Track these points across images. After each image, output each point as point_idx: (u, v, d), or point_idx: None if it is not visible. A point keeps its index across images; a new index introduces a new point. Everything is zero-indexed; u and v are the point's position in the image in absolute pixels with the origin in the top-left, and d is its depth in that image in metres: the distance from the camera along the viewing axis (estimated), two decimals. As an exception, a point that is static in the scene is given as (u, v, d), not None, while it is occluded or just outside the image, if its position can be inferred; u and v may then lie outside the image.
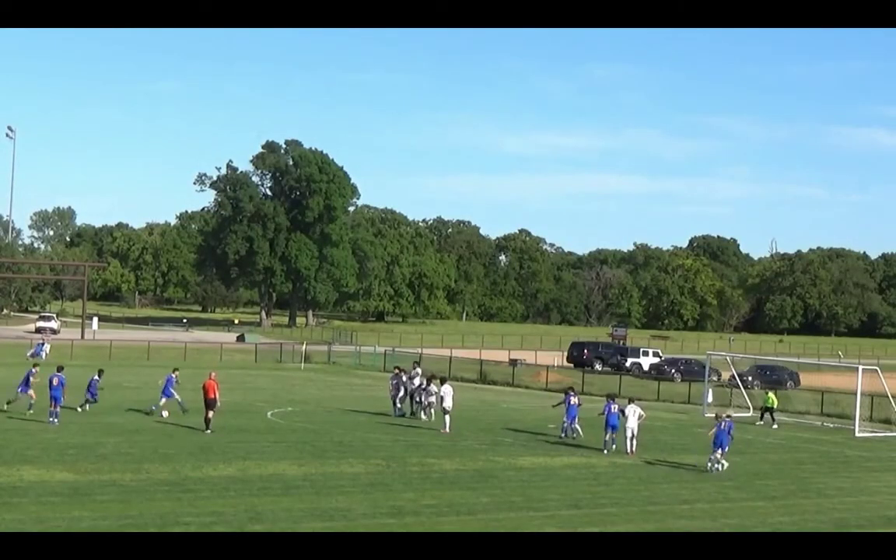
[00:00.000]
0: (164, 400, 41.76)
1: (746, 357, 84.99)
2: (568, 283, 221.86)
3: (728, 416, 35.14)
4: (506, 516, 24.88)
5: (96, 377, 42.86)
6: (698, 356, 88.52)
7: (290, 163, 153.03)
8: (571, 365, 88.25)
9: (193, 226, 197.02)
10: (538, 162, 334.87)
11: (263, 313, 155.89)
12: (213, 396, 37.40)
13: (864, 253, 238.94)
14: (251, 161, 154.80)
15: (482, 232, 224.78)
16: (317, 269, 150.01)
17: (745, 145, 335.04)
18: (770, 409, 49.54)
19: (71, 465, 28.82)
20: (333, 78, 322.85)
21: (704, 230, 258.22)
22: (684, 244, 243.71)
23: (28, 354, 76.46)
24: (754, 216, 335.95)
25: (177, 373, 43.20)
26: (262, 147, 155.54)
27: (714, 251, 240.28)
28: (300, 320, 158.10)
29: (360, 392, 59.07)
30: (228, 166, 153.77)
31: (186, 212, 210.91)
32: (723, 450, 33.44)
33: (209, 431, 36.60)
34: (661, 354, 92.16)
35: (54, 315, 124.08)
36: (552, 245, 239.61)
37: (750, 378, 70.29)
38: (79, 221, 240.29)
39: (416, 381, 45.34)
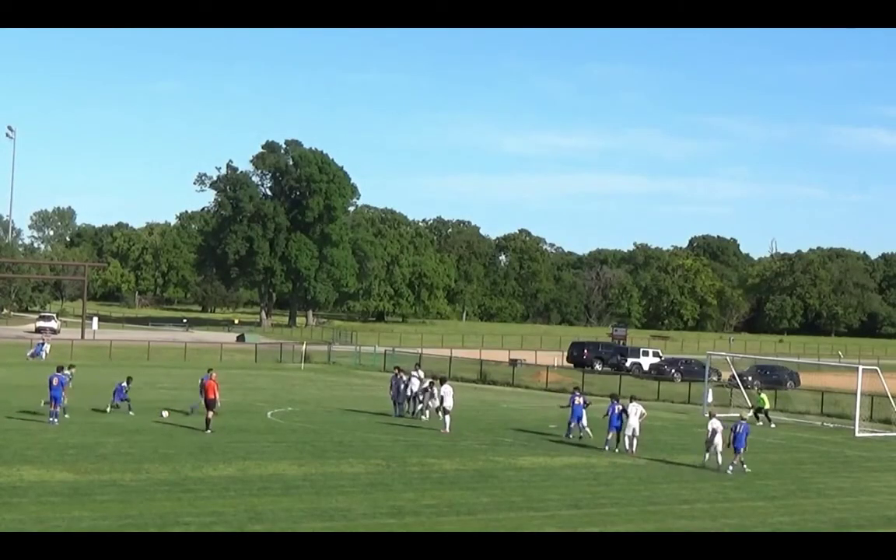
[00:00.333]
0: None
1: (746, 357, 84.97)
2: (568, 283, 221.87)
3: (742, 419, 35.35)
4: (506, 516, 24.89)
5: (124, 384, 42.26)
6: (698, 356, 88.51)
7: (290, 163, 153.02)
8: (571, 365, 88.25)
9: (193, 226, 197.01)
10: (538, 162, 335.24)
11: (263, 313, 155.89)
12: (212, 396, 37.42)
13: (864, 253, 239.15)
14: (251, 161, 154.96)
15: (482, 232, 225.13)
16: (317, 269, 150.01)
17: (745, 145, 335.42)
18: (761, 410, 49.70)
19: (71, 465, 28.82)
20: (333, 78, 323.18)
21: (704, 230, 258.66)
22: (684, 244, 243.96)
23: (28, 354, 76.50)
24: (754, 216, 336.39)
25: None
26: (262, 147, 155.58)
27: (714, 251, 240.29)
28: (300, 320, 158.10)
29: (360, 392, 59.07)
30: (228, 166, 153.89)
31: (186, 212, 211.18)
32: (738, 450, 33.46)
33: (209, 431, 36.61)
34: (661, 354, 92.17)
35: (54, 315, 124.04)
36: (552, 245, 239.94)
37: (750, 378, 70.29)
38: (79, 221, 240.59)
39: (416, 384, 45.30)
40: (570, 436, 39.73)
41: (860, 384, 48.21)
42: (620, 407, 37.33)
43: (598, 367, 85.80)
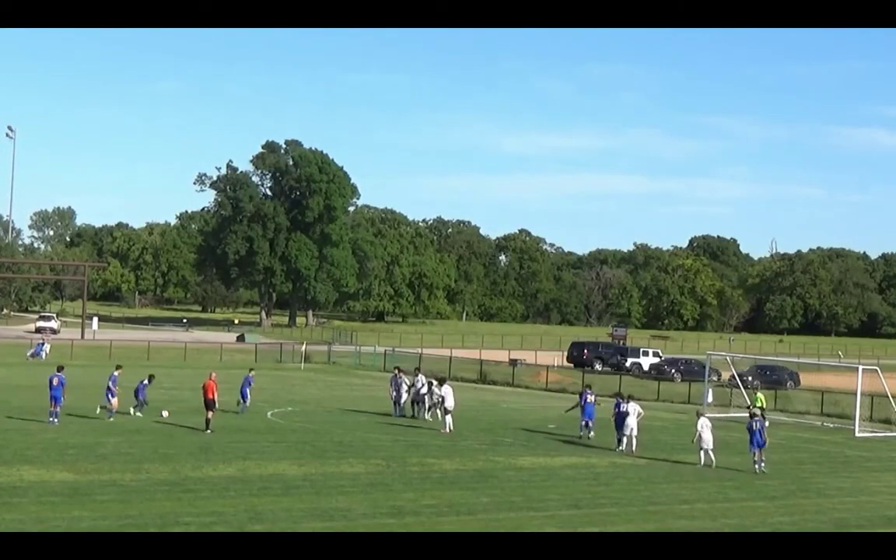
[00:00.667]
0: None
1: (746, 357, 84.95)
2: (568, 283, 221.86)
3: (753, 416, 35.49)
4: (506, 516, 24.88)
5: (146, 381, 41.83)
6: (698, 356, 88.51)
7: (290, 163, 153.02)
8: (571, 365, 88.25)
9: (193, 226, 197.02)
10: (538, 162, 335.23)
11: (263, 313, 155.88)
12: (211, 397, 37.41)
13: (864, 253, 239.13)
14: (251, 161, 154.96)
15: (482, 232, 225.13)
16: (317, 269, 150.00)
17: (745, 145, 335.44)
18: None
19: (71, 465, 28.82)
20: (333, 78, 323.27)
21: (704, 230, 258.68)
22: (684, 244, 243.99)
23: (28, 354, 76.51)
24: (754, 216, 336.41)
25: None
26: (262, 147, 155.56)
27: (714, 251, 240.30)
28: (300, 320, 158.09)
29: (360, 392, 59.07)
30: (228, 166, 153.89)
31: (186, 212, 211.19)
32: (760, 447, 33.74)
33: (209, 431, 36.61)
34: (661, 354, 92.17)
35: (54, 315, 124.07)
36: (552, 245, 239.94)
37: (750, 378, 70.25)
38: (79, 221, 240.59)
39: (419, 386, 45.23)
40: (590, 435, 39.56)
41: (860, 384, 48.19)
42: (626, 406, 37.50)
43: (598, 367, 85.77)
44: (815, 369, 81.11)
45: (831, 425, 51.00)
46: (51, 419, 37.38)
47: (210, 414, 37.30)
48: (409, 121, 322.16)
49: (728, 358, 64.33)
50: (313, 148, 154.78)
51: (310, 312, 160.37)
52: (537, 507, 26.26)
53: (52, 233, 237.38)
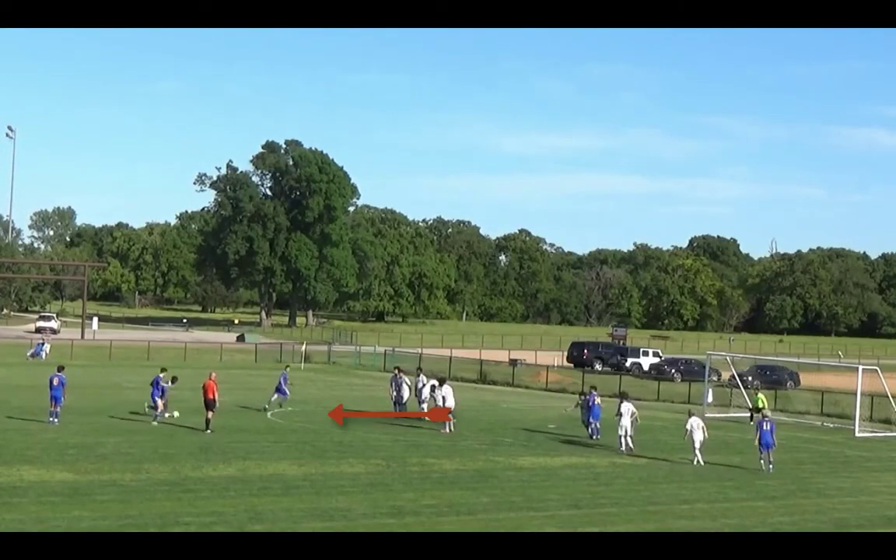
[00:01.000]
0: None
1: (746, 357, 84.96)
2: (568, 283, 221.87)
3: (763, 416, 35.93)
4: (506, 516, 24.88)
5: (169, 383, 40.62)
6: (698, 356, 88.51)
7: (290, 163, 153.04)
8: (571, 365, 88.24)
9: (193, 226, 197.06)
10: (538, 162, 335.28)
11: (263, 313, 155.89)
12: (212, 397, 37.40)
13: (864, 253, 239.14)
14: (251, 161, 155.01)
15: (482, 232, 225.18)
16: (317, 269, 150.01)
17: (745, 145, 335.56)
18: (759, 410, 49.65)
19: (71, 465, 28.82)
20: (333, 78, 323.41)
21: (704, 230, 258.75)
22: (684, 244, 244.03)
23: (28, 354, 76.52)
24: (754, 216, 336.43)
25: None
26: (262, 147, 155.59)
27: (714, 251, 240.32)
28: (300, 320, 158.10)
29: (360, 392, 59.06)
30: (228, 166, 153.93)
31: (186, 212, 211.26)
32: (769, 448, 34.08)
33: (209, 431, 36.61)
34: (661, 354, 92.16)
35: (54, 315, 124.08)
36: (552, 245, 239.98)
37: (750, 378, 70.27)
38: (79, 221, 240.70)
39: (420, 386, 45.13)
40: (596, 437, 39.52)
41: (860, 384, 48.19)
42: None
43: (598, 367, 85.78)
44: (815, 369, 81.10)
45: (831, 425, 51.00)
46: (51, 419, 37.37)
47: (210, 414, 37.29)
48: (409, 121, 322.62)
49: (728, 358, 64.34)
50: (313, 148, 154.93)
51: (310, 312, 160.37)
52: (537, 507, 26.25)
53: (52, 233, 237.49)
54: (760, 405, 49.83)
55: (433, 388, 43.74)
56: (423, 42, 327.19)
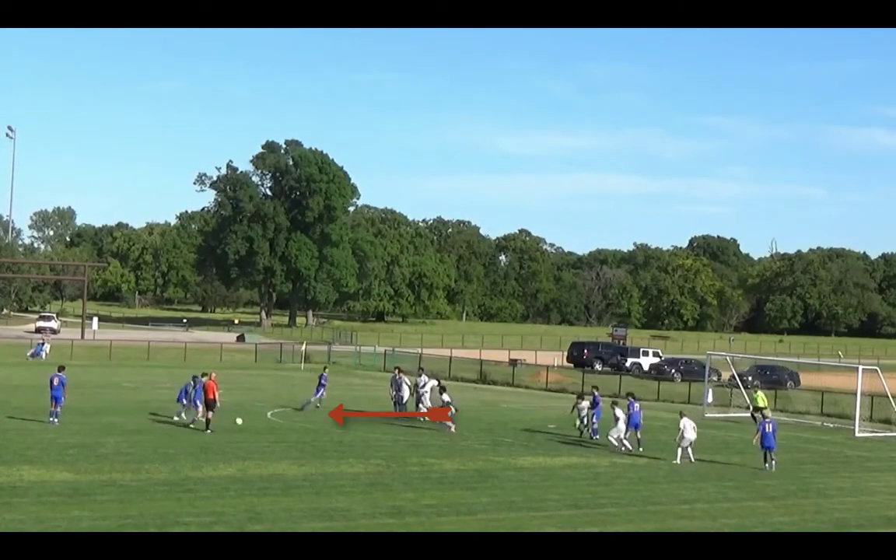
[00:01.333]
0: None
1: (746, 357, 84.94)
2: (568, 283, 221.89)
3: (765, 417, 36.15)
4: (506, 516, 24.88)
5: (197, 384, 39.89)
6: (698, 356, 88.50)
7: (290, 163, 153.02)
8: (571, 365, 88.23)
9: (193, 226, 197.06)
10: (538, 162, 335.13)
11: (263, 313, 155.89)
12: (212, 397, 37.40)
13: (864, 253, 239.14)
14: (251, 161, 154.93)
15: (482, 232, 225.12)
16: (317, 269, 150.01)
17: (745, 145, 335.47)
18: (758, 409, 49.69)
19: (71, 465, 28.82)
20: (333, 78, 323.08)
21: (704, 230, 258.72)
22: (684, 244, 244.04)
23: (28, 354, 76.51)
24: (754, 216, 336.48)
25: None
26: (262, 147, 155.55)
27: (714, 251, 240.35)
28: (300, 320, 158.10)
29: (360, 392, 59.04)
30: (228, 166, 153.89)
31: (186, 212, 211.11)
32: (771, 449, 34.45)
33: (209, 431, 36.61)
34: (661, 354, 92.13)
35: (54, 315, 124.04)
36: (552, 245, 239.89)
37: (750, 378, 70.21)
38: (79, 221, 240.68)
39: (420, 385, 45.07)
40: (595, 437, 39.50)
41: (860, 384, 48.18)
42: (638, 405, 38.09)
43: (598, 367, 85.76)
44: (815, 369, 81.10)
45: (831, 425, 50.99)
46: (51, 419, 37.36)
47: (210, 414, 37.29)
48: (409, 121, 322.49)
49: (728, 358, 64.32)
50: (313, 148, 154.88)
51: (310, 312, 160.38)
52: (537, 507, 26.25)
53: (52, 233, 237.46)
54: (760, 404, 49.90)
55: (435, 389, 43.63)
56: (423, 42, 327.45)
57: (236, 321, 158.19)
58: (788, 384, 73.88)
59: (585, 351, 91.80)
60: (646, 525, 24.46)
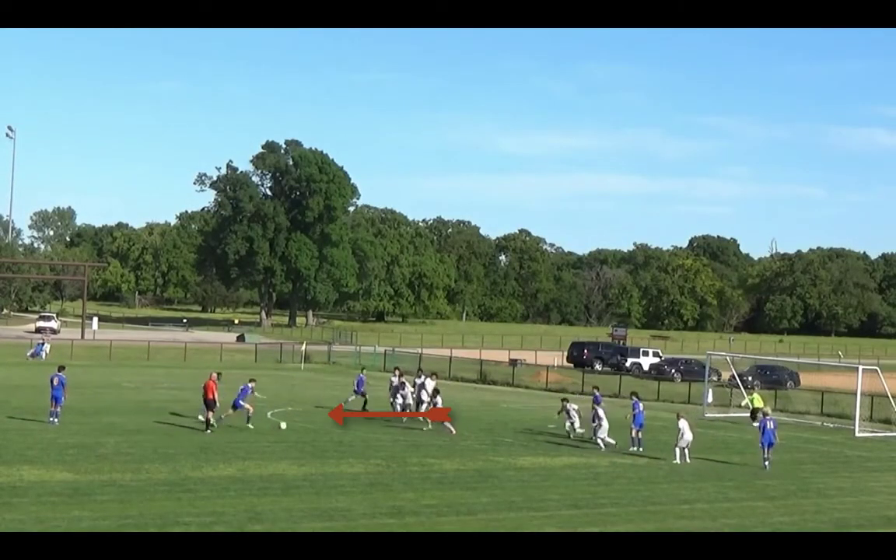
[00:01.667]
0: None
1: (746, 357, 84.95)
2: (568, 283, 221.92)
3: (765, 415, 36.37)
4: (506, 516, 24.88)
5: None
6: (698, 356, 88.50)
7: (290, 163, 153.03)
8: (571, 365, 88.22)
9: (193, 226, 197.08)
10: (538, 162, 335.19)
11: (263, 313, 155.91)
12: (212, 397, 37.37)
13: (864, 253, 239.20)
14: (251, 161, 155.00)
15: (482, 232, 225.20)
16: (317, 269, 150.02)
17: (745, 145, 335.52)
18: (757, 409, 49.73)
19: (71, 465, 28.81)
20: (333, 78, 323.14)
21: (704, 230, 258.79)
22: (684, 244, 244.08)
23: (28, 354, 76.50)
24: (754, 216, 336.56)
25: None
26: (262, 147, 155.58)
27: (714, 251, 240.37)
28: (300, 320, 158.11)
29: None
30: (228, 166, 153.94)
31: (186, 212, 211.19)
32: (771, 446, 34.65)
33: (209, 431, 36.61)
34: (661, 354, 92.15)
35: (54, 315, 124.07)
36: (552, 245, 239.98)
37: (750, 378, 70.24)
38: (79, 221, 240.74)
39: (419, 383, 44.96)
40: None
41: (860, 384, 48.19)
42: (643, 405, 38.18)
43: (598, 367, 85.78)
44: (815, 369, 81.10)
45: (831, 425, 50.99)
46: (51, 419, 37.35)
47: (210, 414, 37.28)
48: (409, 121, 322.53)
49: (728, 358, 64.34)
50: (313, 148, 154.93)
51: (310, 312, 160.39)
52: (537, 507, 26.26)
53: (52, 233, 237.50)
54: (757, 404, 49.90)
55: (437, 392, 43.40)
56: (423, 42, 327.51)
57: (236, 321, 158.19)
58: (788, 384, 73.89)
59: (585, 351, 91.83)
60: (646, 525, 24.46)
